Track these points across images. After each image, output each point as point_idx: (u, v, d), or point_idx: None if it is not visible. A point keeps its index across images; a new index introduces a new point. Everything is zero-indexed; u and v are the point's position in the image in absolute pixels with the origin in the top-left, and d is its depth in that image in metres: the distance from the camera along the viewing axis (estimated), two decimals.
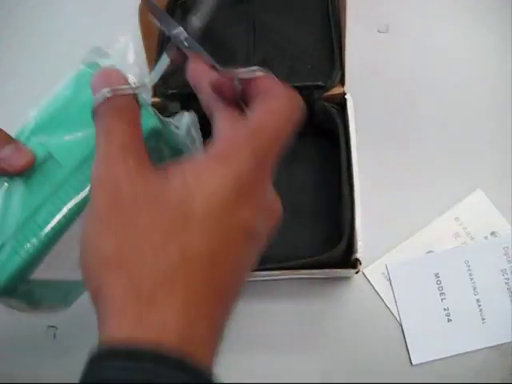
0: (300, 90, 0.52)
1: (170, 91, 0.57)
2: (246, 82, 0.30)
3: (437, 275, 0.53)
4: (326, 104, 0.53)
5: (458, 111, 0.60)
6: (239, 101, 0.31)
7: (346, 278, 0.54)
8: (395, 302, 0.53)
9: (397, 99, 0.61)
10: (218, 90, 0.31)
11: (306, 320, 0.54)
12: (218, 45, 0.60)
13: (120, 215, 0.25)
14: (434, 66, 0.62)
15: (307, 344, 0.53)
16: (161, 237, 0.25)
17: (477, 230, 0.55)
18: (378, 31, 0.65)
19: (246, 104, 0.30)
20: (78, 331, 0.58)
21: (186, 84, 0.57)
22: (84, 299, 0.57)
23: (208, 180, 0.26)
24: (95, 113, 0.29)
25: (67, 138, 0.33)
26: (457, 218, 0.55)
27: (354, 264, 0.47)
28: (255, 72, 0.30)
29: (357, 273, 0.51)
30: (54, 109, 0.35)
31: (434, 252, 0.54)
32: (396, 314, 0.53)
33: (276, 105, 0.28)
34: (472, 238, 0.54)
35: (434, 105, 0.60)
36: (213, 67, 0.34)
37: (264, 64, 0.57)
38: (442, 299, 0.52)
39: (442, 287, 0.53)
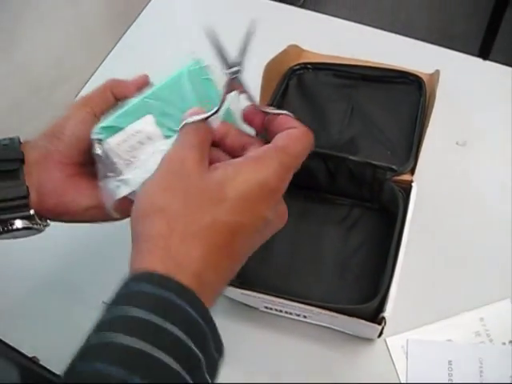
0: (376, 167, 0.61)
1: None
2: (274, 118, 0.42)
3: (450, 363, 0.58)
4: (394, 186, 0.61)
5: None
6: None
7: (369, 341, 0.60)
8: (406, 374, 0.58)
9: (457, 202, 0.68)
10: (250, 120, 0.44)
11: (316, 367, 0.60)
12: (318, 115, 0.70)
13: (178, 183, 0.37)
14: (499, 187, 0.69)
15: None
16: (201, 205, 0.35)
17: (497, 335, 0.60)
18: (457, 143, 0.73)
19: (271, 135, 0.42)
20: None
21: None
22: None
23: (243, 174, 0.37)
24: (181, 128, 0.41)
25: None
26: (482, 319, 0.61)
27: (379, 321, 0.53)
28: (284, 111, 0.42)
29: (380, 335, 0.57)
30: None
31: (452, 341, 0.60)
32: None
33: (298, 135, 0.40)
34: (491, 340, 0.60)
35: (491, 217, 0.67)
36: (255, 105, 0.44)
37: (352, 140, 0.67)
38: None
39: (452, 374, 0.58)
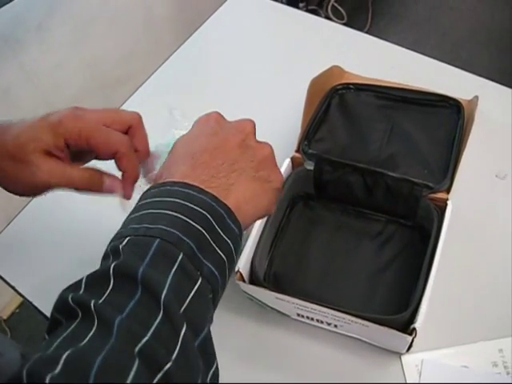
0: (413, 184, 0.62)
1: (310, 151, 0.69)
2: None
3: None
4: (430, 203, 0.62)
5: None
6: None
7: (384, 356, 0.60)
8: None
9: (491, 231, 0.68)
10: None
11: (329, 374, 0.61)
12: (358, 132, 0.72)
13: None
14: None
15: None
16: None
17: None
18: (496, 176, 0.73)
19: None
20: None
21: (325, 151, 0.69)
22: None
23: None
24: None
25: None
26: (501, 350, 0.60)
27: (410, 332, 0.54)
28: None
29: (409, 349, 0.57)
30: None
31: (468, 368, 0.59)
32: None
33: None
34: (508, 373, 0.59)
35: None
36: None
37: (390, 157, 0.68)
38: None
39: None
